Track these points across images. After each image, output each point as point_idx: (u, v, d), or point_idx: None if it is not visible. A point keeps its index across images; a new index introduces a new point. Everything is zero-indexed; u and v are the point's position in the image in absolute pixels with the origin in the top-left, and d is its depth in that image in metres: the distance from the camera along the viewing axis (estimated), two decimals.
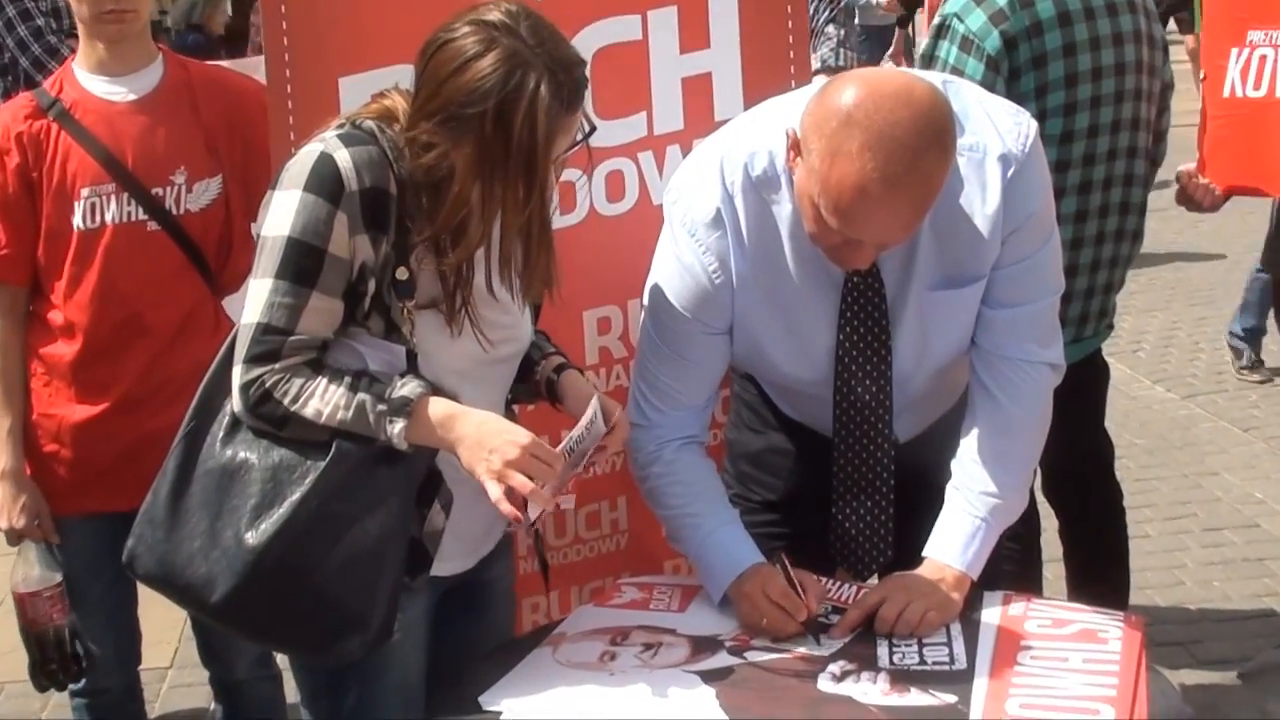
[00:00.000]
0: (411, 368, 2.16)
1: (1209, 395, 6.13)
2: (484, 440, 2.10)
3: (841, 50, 5.19)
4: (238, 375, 2.13)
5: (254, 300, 2.13)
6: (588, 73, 2.70)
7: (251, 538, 2.10)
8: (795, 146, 2.20)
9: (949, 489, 2.41)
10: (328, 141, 2.13)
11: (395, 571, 2.19)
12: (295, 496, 2.10)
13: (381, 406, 2.09)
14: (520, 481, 2.09)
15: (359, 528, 2.13)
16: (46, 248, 2.93)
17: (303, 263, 2.09)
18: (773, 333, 2.42)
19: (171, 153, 2.95)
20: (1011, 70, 3.14)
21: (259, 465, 2.13)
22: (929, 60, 3.22)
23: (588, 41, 2.75)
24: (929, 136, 2.09)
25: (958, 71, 3.08)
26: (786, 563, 2.35)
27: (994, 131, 2.29)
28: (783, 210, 2.33)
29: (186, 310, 2.99)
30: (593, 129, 2.19)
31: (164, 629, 4.12)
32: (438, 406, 2.12)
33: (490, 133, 2.06)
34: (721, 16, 2.87)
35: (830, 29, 5.56)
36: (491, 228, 2.15)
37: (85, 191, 2.91)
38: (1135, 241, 3.42)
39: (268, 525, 2.10)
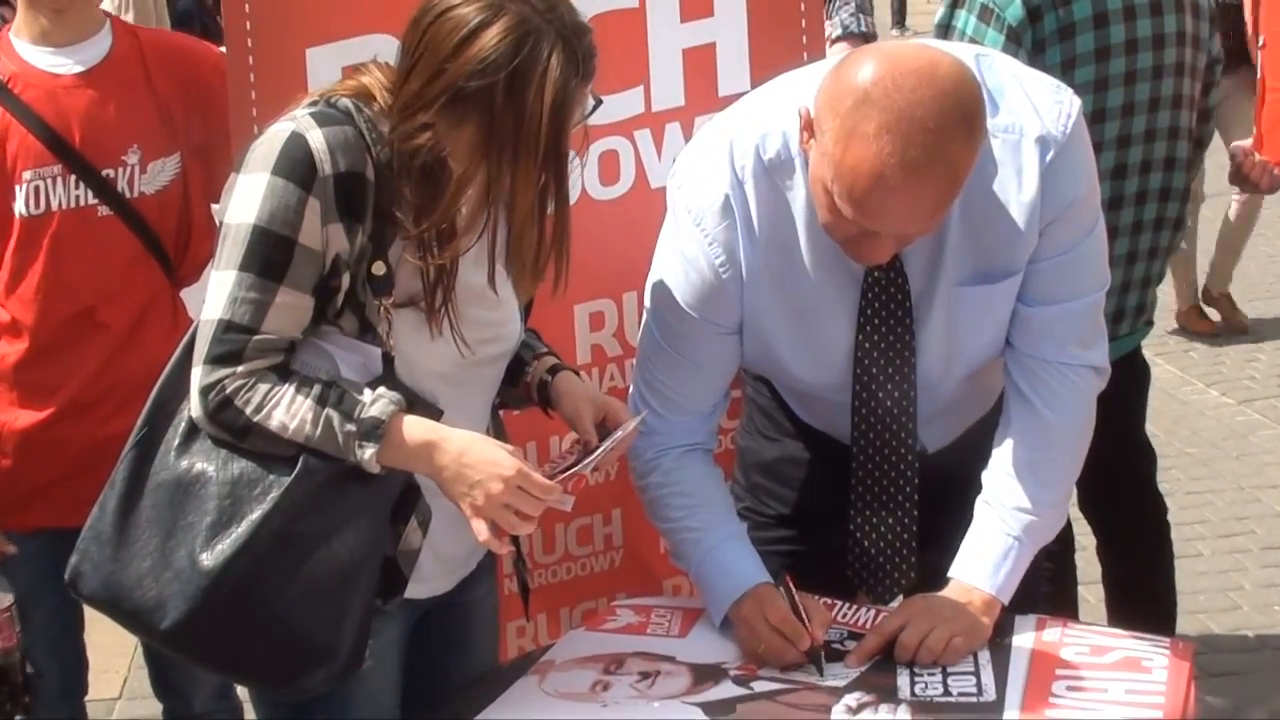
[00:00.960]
0: (387, 371, 2.14)
1: (1268, 400, 6.10)
2: (465, 473, 2.09)
3: (861, 16, 5.13)
4: (197, 377, 2.10)
5: (216, 294, 2.10)
6: None
7: (207, 559, 2.08)
8: (809, 126, 2.18)
9: (979, 504, 2.39)
10: (299, 120, 2.10)
11: (366, 596, 2.17)
12: (256, 515, 2.08)
13: (350, 426, 2.07)
14: (508, 521, 2.09)
15: (326, 550, 2.11)
16: None
17: (270, 254, 2.07)
18: (786, 333, 2.40)
19: (123, 130, 2.93)
20: (1035, 42, 3.12)
21: (217, 479, 2.11)
22: (945, 30, 3.20)
23: (579, 8, 2.73)
24: (954, 118, 2.07)
25: (975, 43, 3.06)
26: (790, 585, 2.34)
27: (1032, 110, 2.27)
28: (798, 197, 2.31)
29: (142, 304, 2.98)
30: (599, 103, 2.17)
31: (112, 656, 4.09)
32: (414, 429, 2.10)
33: (500, 107, 2.04)
34: None
35: None
36: (488, 216, 2.13)
37: (28, 174, 2.89)
38: (1177, 231, 3.40)
39: (225, 546, 2.07)
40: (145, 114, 2.95)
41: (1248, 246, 7.09)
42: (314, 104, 2.14)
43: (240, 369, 2.08)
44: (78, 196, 2.91)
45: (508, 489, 2.06)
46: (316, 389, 2.08)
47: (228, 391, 2.08)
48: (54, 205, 2.90)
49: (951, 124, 2.07)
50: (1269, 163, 3.61)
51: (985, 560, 2.35)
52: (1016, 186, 2.27)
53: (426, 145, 2.07)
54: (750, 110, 2.38)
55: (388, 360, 2.14)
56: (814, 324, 2.40)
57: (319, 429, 2.07)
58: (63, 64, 2.94)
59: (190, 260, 3.05)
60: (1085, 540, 3.70)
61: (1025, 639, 2.33)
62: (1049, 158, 2.26)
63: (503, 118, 2.04)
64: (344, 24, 2.64)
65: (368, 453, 2.07)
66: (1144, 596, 3.63)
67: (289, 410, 2.07)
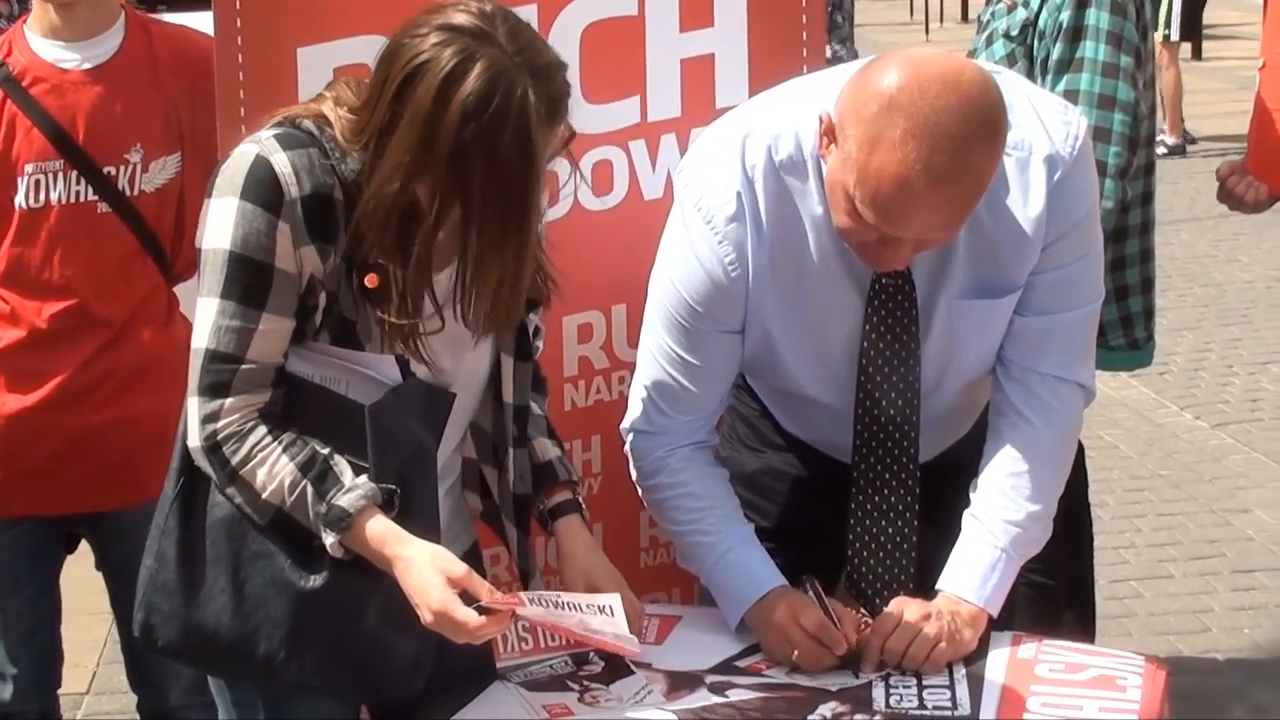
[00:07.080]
0: (406, 375, 2.12)
1: (1242, 424, 6.08)
2: (406, 590, 2.07)
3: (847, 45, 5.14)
4: (194, 407, 2.08)
5: (200, 322, 2.08)
6: (577, 51, 2.65)
7: (299, 581, 2.10)
8: (829, 132, 2.17)
9: (966, 517, 2.37)
10: (263, 143, 2.06)
11: None
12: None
13: (321, 508, 2.06)
14: (452, 634, 2.05)
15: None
16: None
17: (249, 280, 2.04)
18: (789, 335, 2.38)
19: (128, 128, 2.90)
20: None
21: None
22: (1074, 34, 3.28)
23: (577, 16, 2.70)
24: (978, 125, 2.07)
25: (1115, 36, 3.22)
26: (819, 589, 2.31)
27: (1041, 129, 2.27)
28: (807, 200, 2.29)
29: (138, 300, 2.95)
30: (572, 135, 2.12)
31: (81, 651, 4.04)
32: (375, 531, 2.06)
33: (473, 157, 1.97)
34: None
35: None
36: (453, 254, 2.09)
37: (29, 168, 2.86)
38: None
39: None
40: (150, 113, 2.92)
41: (1225, 272, 7.04)
42: (279, 125, 2.10)
43: (229, 402, 2.05)
44: (78, 192, 2.88)
45: (435, 619, 2.03)
46: (302, 456, 2.07)
47: (219, 437, 2.06)
48: (53, 199, 2.87)
49: (976, 131, 2.06)
50: (1255, 180, 3.61)
51: (973, 573, 2.33)
52: (1023, 203, 2.27)
53: (399, 191, 2.01)
54: (762, 111, 2.36)
55: (403, 364, 2.12)
56: (818, 328, 2.38)
57: (293, 496, 2.06)
58: (71, 59, 2.90)
59: (185, 257, 3.00)
60: None
61: (1001, 655, 2.31)
62: (1056, 177, 2.26)
63: (475, 166, 1.98)
64: (336, 24, 2.59)
65: (330, 540, 2.06)
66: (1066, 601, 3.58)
67: (270, 470, 2.06)
